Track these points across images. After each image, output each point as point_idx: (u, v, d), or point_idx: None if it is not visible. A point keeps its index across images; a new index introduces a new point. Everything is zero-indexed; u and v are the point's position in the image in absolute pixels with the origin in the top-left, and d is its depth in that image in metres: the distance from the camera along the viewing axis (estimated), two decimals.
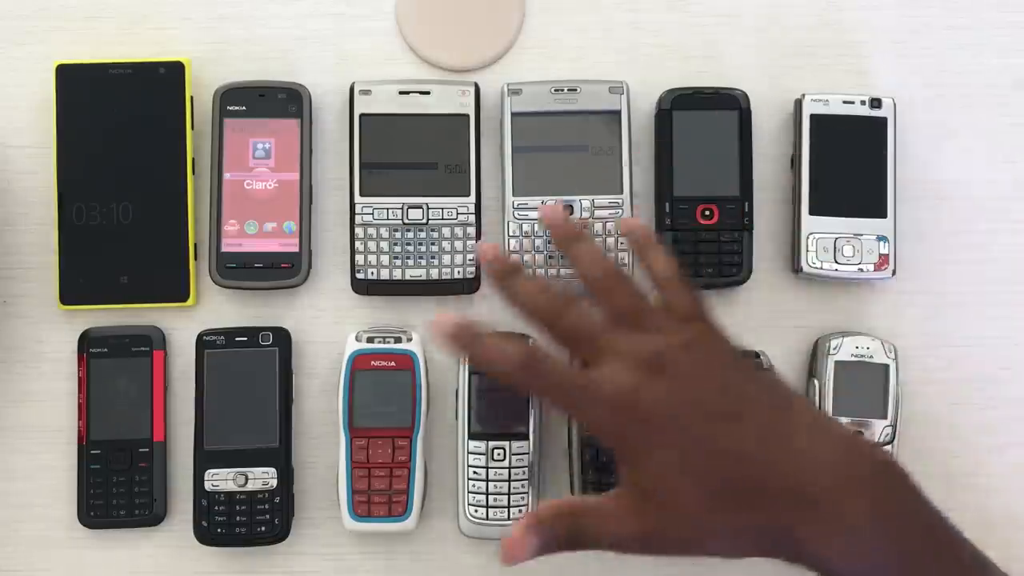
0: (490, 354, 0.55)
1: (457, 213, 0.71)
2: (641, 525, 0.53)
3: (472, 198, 0.72)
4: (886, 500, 0.53)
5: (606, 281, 0.57)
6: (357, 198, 0.72)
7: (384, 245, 0.71)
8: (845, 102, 0.72)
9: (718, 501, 0.53)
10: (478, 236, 0.72)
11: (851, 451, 0.54)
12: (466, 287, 0.72)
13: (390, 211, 0.71)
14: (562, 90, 0.72)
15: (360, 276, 0.72)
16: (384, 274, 0.72)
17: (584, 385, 0.54)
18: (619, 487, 0.55)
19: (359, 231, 0.71)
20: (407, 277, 0.72)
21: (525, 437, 0.70)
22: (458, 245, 0.71)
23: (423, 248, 0.71)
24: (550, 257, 0.72)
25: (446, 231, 0.71)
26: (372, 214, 0.71)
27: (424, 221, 0.71)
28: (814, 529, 0.52)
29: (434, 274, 0.71)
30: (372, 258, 0.71)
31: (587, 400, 0.54)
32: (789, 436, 0.54)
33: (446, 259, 0.71)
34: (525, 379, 0.55)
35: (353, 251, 0.72)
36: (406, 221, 0.71)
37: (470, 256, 0.72)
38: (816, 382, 0.71)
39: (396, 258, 0.71)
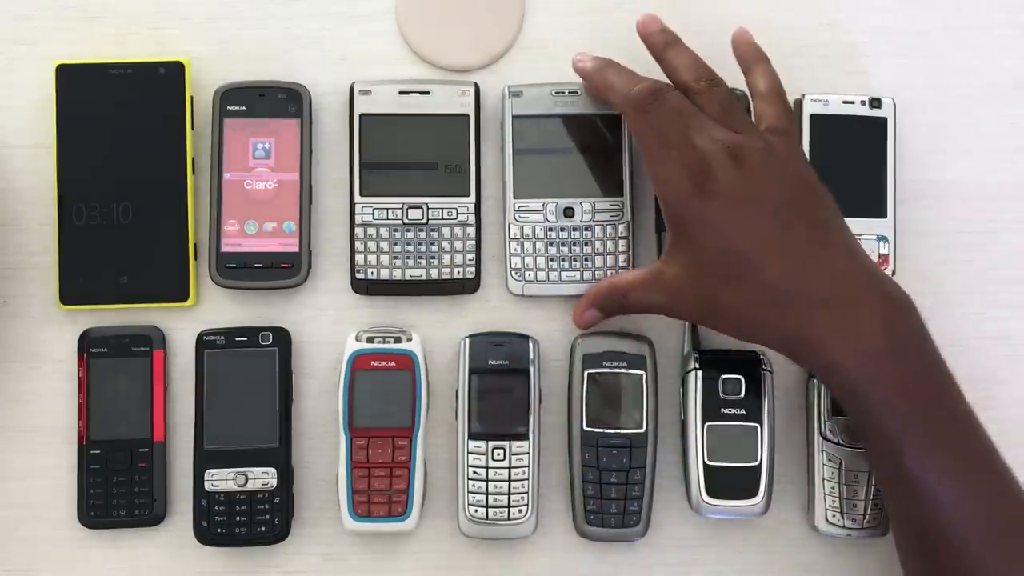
0: (611, 79, 0.67)
1: (457, 213, 0.71)
2: (668, 296, 0.65)
3: (472, 198, 0.72)
4: (896, 321, 0.62)
5: (699, 85, 0.66)
6: (357, 198, 0.72)
7: (384, 245, 0.71)
8: (845, 102, 0.72)
9: (739, 286, 0.62)
10: (478, 236, 0.72)
11: (876, 278, 0.63)
12: (466, 287, 0.72)
13: (390, 211, 0.71)
14: (563, 92, 0.72)
15: (360, 276, 0.72)
16: (384, 274, 0.72)
17: (677, 142, 0.63)
18: (664, 261, 0.65)
19: (359, 231, 0.71)
20: (407, 277, 0.71)
21: (525, 437, 0.70)
22: (458, 245, 0.71)
23: (423, 248, 0.71)
24: (551, 260, 0.72)
25: (446, 231, 0.71)
26: (372, 214, 0.71)
27: (424, 221, 0.71)
28: (829, 332, 0.61)
29: (434, 274, 0.71)
30: (372, 258, 0.71)
31: (673, 156, 0.63)
32: (827, 250, 0.63)
33: (446, 259, 0.71)
34: (639, 110, 0.65)
35: (353, 251, 0.72)
36: (406, 221, 0.71)
37: (470, 256, 0.72)
38: (816, 382, 0.71)
39: (396, 258, 0.71)
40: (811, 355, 0.62)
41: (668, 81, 0.67)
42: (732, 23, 0.74)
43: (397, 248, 0.71)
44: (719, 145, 0.63)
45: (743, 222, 0.62)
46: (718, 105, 0.65)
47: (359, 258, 0.71)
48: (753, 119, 0.68)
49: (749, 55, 0.69)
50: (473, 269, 0.72)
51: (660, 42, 0.68)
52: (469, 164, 0.72)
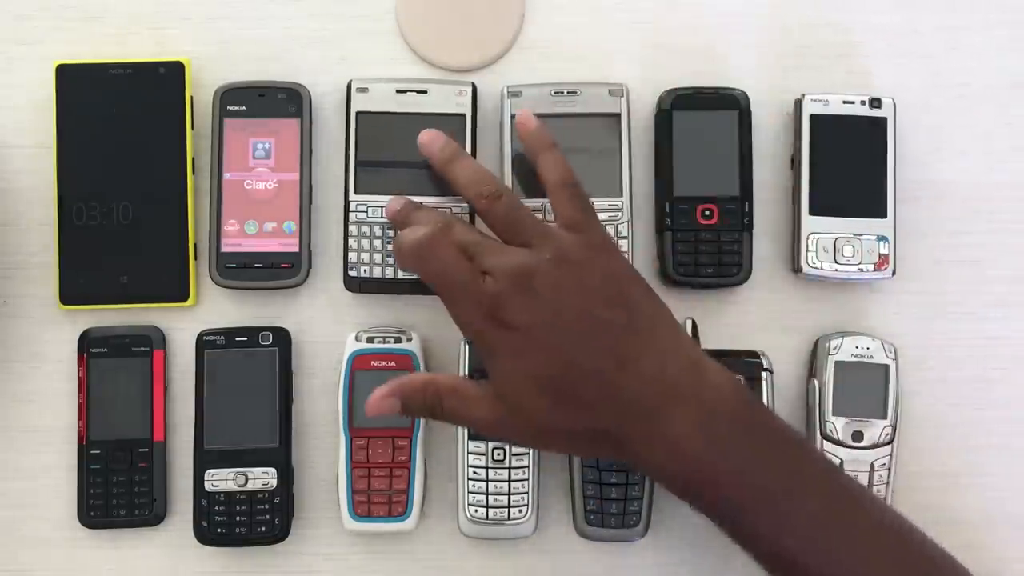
0: (404, 222, 0.65)
1: (452, 213, 0.71)
2: (494, 415, 0.61)
3: None
4: (712, 416, 0.59)
5: (481, 202, 0.63)
6: (352, 196, 0.71)
7: (377, 243, 0.71)
8: (845, 102, 0.72)
9: (559, 408, 0.60)
10: None
11: (687, 371, 0.60)
12: None
13: (384, 209, 0.71)
14: (562, 92, 0.72)
15: (352, 274, 0.72)
16: (376, 272, 0.71)
17: (463, 284, 0.61)
18: (486, 384, 0.62)
19: (353, 229, 0.71)
20: (399, 276, 0.71)
21: None
22: None
23: None
24: None
25: None
26: (366, 212, 0.71)
27: None
28: (644, 439, 0.59)
29: None
30: (365, 256, 0.71)
31: (462, 297, 0.61)
32: (638, 356, 0.59)
33: None
34: (417, 260, 0.62)
35: (346, 249, 0.72)
36: None
37: None
38: (816, 382, 0.71)
39: (389, 256, 0.71)
40: (644, 465, 0.61)
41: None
42: (733, 23, 0.75)
43: (391, 247, 0.71)
44: (504, 276, 0.59)
45: (545, 348, 0.59)
46: (503, 218, 0.62)
47: (352, 256, 0.71)
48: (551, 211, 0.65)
49: (535, 144, 0.66)
50: None
51: (442, 159, 0.66)
52: None
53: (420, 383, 0.62)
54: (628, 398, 0.59)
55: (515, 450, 0.70)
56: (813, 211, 0.72)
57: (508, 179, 0.72)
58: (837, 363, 0.71)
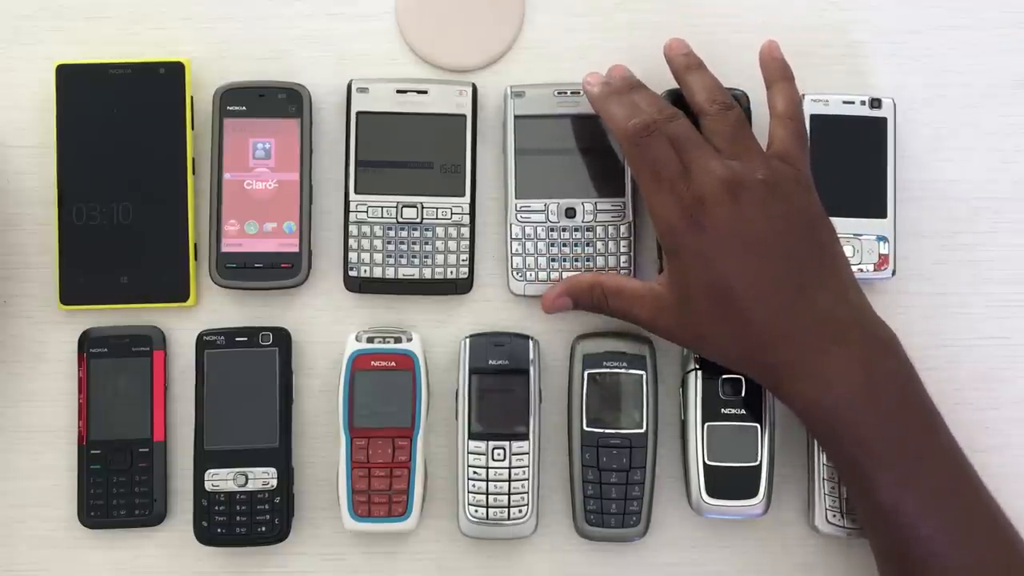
0: (616, 108, 0.66)
1: (451, 213, 0.71)
2: (652, 313, 0.66)
3: (467, 198, 0.72)
4: (875, 362, 0.62)
5: (712, 108, 0.66)
6: (352, 195, 0.72)
7: (378, 243, 0.71)
8: (845, 102, 0.72)
9: (726, 321, 0.63)
10: (472, 237, 0.72)
11: (860, 318, 0.64)
12: (459, 287, 0.72)
13: (384, 209, 0.71)
14: (565, 93, 0.72)
15: (353, 273, 0.72)
16: (377, 272, 0.72)
17: (671, 177, 0.63)
18: (659, 281, 0.66)
19: (353, 228, 0.71)
20: (400, 276, 0.71)
21: (525, 437, 0.70)
22: (451, 245, 0.71)
23: (416, 247, 0.71)
24: (552, 260, 0.72)
25: (440, 231, 0.71)
26: (366, 212, 0.71)
27: (418, 220, 0.71)
28: (801, 370, 0.62)
29: (427, 273, 0.71)
30: (365, 256, 0.71)
31: (666, 190, 0.64)
32: (815, 290, 0.63)
33: (439, 259, 0.71)
34: (633, 144, 0.65)
35: (346, 248, 0.72)
36: (400, 220, 0.71)
37: (463, 256, 0.72)
38: None
39: (389, 256, 0.71)
40: (790, 394, 0.63)
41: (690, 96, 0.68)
42: (733, 23, 0.75)
43: (391, 247, 0.71)
44: (715, 178, 0.63)
45: (731, 258, 0.63)
46: (728, 128, 0.65)
47: (352, 256, 0.71)
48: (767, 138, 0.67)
49: (773, 71, 0.68)
50: (466, 269, 0.71)
51: (682, 65, 0.68)
52: (465, 165, 0.72)
53: (587, 285, 0.68)
54: (796, 327, 0.62)
55: (515, 450, 0.70)
56: None
57: (510, 178, 0.72)
58: None
